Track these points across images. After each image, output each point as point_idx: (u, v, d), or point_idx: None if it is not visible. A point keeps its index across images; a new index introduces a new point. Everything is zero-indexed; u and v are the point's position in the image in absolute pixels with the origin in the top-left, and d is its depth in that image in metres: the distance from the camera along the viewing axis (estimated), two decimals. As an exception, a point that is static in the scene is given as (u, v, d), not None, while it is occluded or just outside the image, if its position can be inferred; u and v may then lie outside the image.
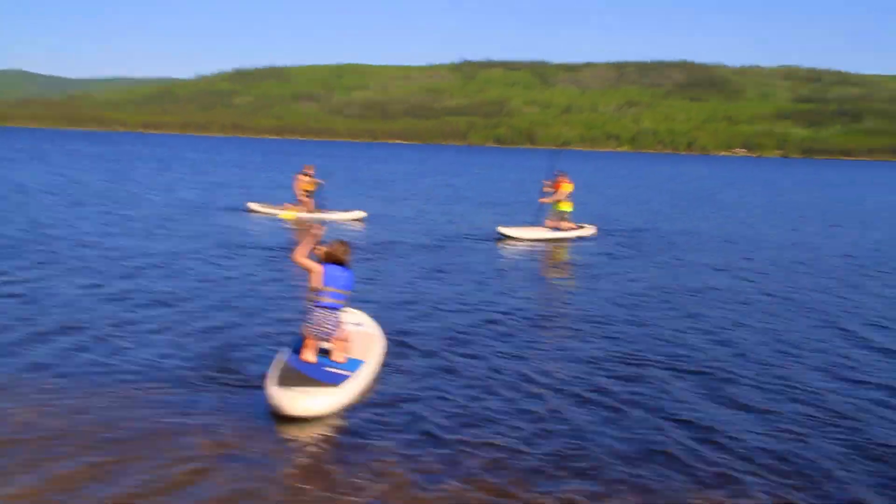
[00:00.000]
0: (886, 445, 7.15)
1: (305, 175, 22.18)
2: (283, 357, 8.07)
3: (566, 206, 20.06)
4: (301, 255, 7.87)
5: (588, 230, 20.89)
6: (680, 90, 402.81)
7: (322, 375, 7.66)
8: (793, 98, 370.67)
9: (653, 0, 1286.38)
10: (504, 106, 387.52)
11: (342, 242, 8.01)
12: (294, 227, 20.34)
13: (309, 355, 7.91)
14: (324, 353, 8.15)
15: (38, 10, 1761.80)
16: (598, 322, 11.28)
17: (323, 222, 21.01)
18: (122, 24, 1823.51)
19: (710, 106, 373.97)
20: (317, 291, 7.79)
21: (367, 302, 11.16)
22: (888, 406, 8.23)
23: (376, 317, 10.07)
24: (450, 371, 8.66)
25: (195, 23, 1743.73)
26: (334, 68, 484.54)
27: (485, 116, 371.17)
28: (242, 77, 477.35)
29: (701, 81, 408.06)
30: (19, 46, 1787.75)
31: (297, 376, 7.59)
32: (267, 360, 8.35)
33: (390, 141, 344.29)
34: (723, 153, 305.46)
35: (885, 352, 10.43)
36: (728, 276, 15.80)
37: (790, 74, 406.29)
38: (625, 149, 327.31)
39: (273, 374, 7.67)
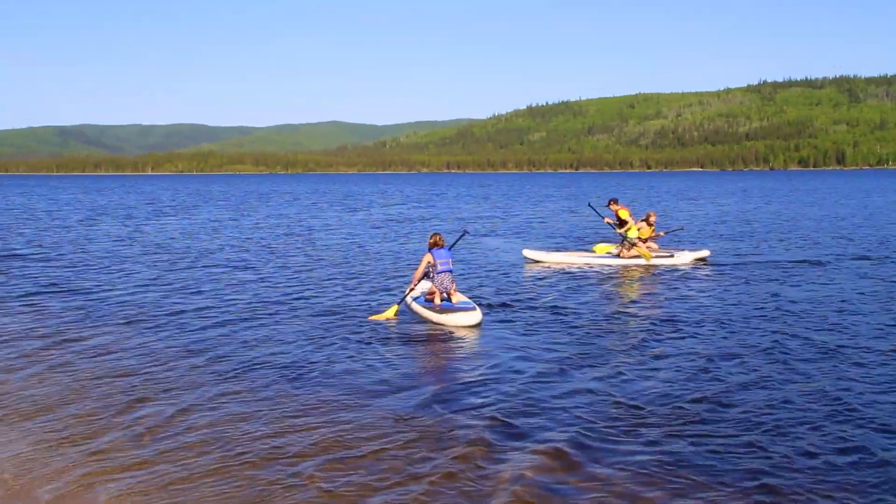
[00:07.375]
0: None
1: (645, 222, 21.75)
2: (420, 306, 12.78)
3: (631, 232, 20.06)
4: (414, 282, 13.27)
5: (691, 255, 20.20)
6: None
7: (460, 307, 12.30)
8: None
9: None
10: (806, 126, 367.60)
11: (436, 234, 13.12)
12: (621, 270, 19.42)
13: (437, 300, 12.68)
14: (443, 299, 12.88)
15: (349, 65, 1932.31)
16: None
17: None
18: (424, 72, 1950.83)
19: None
20: (434, 266, 12.68)
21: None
22: None
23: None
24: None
25: (491, 62, 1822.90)
26: (627, 99, 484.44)
27: (785, 138, 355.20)
28: (536, 113, 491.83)
29: None
30: (334, 99, 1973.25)
31: (448, 310, 12.21)
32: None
33: (686, 169, 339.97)
34: None
35: None
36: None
37: None
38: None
39: (429, 313, 12.37)
